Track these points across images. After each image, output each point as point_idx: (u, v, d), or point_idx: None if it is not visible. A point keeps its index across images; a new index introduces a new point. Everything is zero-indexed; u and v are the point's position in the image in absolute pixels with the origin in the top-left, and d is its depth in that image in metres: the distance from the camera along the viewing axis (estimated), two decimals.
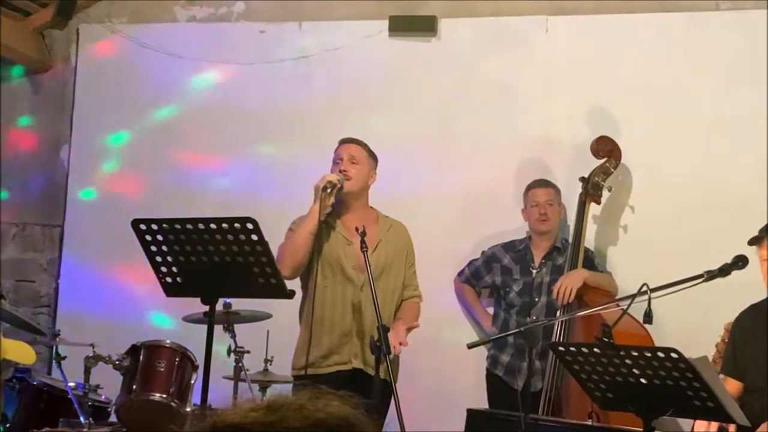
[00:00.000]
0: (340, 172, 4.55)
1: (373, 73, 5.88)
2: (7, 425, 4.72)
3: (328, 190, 4.47)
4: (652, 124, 5.43)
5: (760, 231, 4.25)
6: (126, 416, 4.45)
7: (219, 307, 4.12)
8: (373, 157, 4.70)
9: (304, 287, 4.61)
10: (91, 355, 4.48)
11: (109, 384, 4.64)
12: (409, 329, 4.53)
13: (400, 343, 4.43)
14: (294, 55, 5.98)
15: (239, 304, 4.42)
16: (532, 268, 5.28)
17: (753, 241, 4.24)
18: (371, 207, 4.75)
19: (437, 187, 5.67)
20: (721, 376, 4.11)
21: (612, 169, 5.25)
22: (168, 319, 5.65)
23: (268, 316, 4.56)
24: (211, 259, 3.90)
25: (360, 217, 4.59)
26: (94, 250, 6.12)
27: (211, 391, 3.91)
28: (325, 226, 4.57)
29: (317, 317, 4.51)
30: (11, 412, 4.78)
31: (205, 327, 3.97)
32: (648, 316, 3.62)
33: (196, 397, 4.32)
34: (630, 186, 5.43)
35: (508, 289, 5.30)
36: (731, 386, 4.10)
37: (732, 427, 3.90)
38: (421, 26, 5.80)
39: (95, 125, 6.25)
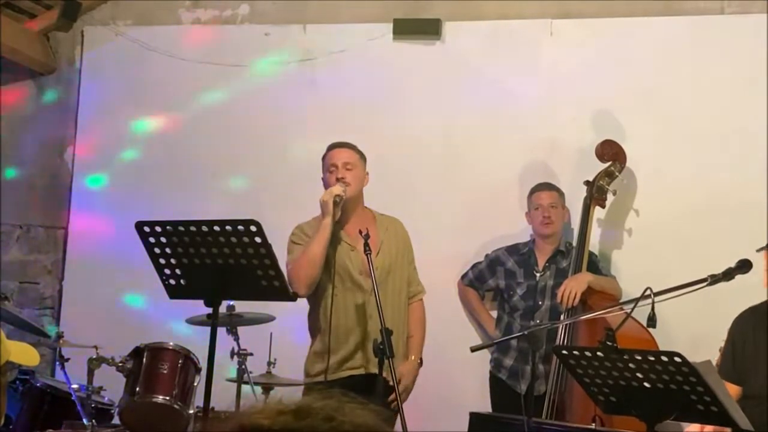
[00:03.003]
0: (338, 180, 4.52)
1: (377, 76, 5.88)
2: (11, 427, 4.72)
3: (337, 202, 4.45)
4: (657, 128, 5.43)
5: None
6: (129, 418, 4.46)
7: (222, 309, 4.12)
8: (363, 158, 4.66)
9: (312, 297, 4.57)
10: (94, 357, 4.48)
11: (112, 386, 4.64)
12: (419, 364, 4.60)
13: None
14: (298, 58, 5.98)
15: (242, 306, 4.42)
16: (536, 272, 5.28)
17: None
18: (366, 207, 4.73)
19: (441, 190, 5.67)
20: None
21: (617, 173, 5.25)
22: (171, 321, 5.64)
23: (271, 318, 4.56)
24: (214, 261, 3.90)
25: (359, 219, 4.57)
26: (98, 251, 6.12)
27: (214, 394, 3.91)
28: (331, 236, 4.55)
29: (330, 326, 4.45)
30: (15, 414, 4.79)
31: (208, 329, 3.97)
32: (652, 320, 3.62)
33: (199, 400, 4.32)
34: (635, 190, 5.42)
35: (511, 293, 5.29)
36: (730, 390, 4.08)
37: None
38: (425, 29, 5.80)
39: (99, 127, 6.26)
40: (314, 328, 4.60)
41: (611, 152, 5.26)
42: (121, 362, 4.46)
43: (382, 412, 1.41)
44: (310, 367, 4.56)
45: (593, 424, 4.15)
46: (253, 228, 3.81)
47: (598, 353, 3.46)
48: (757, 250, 4.22)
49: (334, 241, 4.54)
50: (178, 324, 5.01)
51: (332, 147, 4.67)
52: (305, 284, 4.42)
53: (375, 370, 4.45)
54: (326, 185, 4.55)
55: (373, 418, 1.35)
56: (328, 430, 1.31)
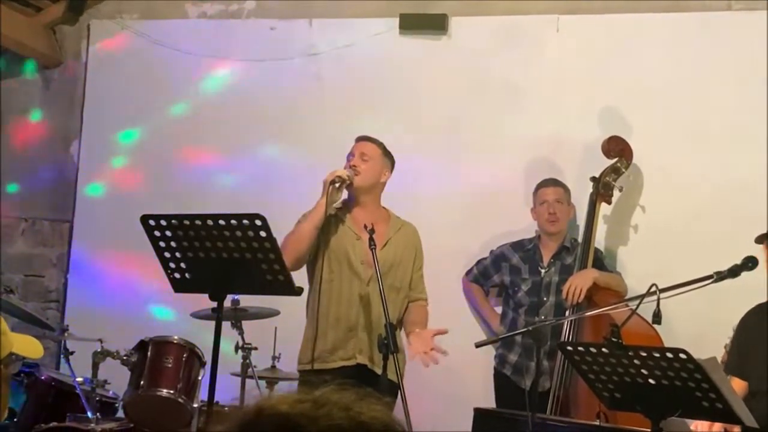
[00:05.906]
0: (351, 167, 4.55)
1: (383, 71, 5.87)
2: (15, 420, 4.73)
3: (337, 185, 4.46)
4: (664, 124, 5.42)
5: None
6: (133, 412, 4.46)
7: (227, 303, 4.12)
8: (388, 156, 4.68)
9: (310, 281, 4.61)
10: (99, 350, 4.49)
11: (116, 379, 4.65)
12: (436, 334, 4.51)
13: (432, 349, 4.42)
14: (304, 53, 5.98)
15: (247, 300, 4.42)
16: (541, 268, 5.27)
17: (760, 239, 4.21)
18: (384, 207, 4.73)
19: (446, 185, 5.67)
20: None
21: (623, 169, 5.24)
22: (176, 315, 5.65)
23: (276, 312, 4.56)
24: (219, 255, 3.89)
25: (371, 214, 4.58)
26: (103, 245, 6.13)
27: (218, 388, 3.91)
28: (334, 220, 4.57)
29: (323, 311, 4.50)
30: (19, 407, 4.79)
31: (212, 323, 3.97)
32: (657, 317, 3.61)
33: (203, 394, 4.33)
34: (641, 186, 5.41)
35: (516, 289, 5.29)
36: (736, 385, 4.08)
37: (737, 429, 3.88)
38: (431, 24, 5.79)
39: (105, 121, 6.26)
40: (308, 314, 4.61)
41: (617, 148, 5.25)
42: (125, 356, 4.47)
43: (392, 405, 1.44)
44: (302, 354, 4.57)
45: (598, 421, 4.15)
46: (257, 222, 3.81)
47: (603, 349, 3.46)
48: (756, 241, 4.21)
49: (339, 226, 4.55)
50: (183, 318, 5.02)
51: (359, 138, 4.72)
52: (291, 259, 4.30)
53: (366, 362, 4.46)
54: None
55: (388, 413, 1.39)
56: (345, 418, 1.33)
